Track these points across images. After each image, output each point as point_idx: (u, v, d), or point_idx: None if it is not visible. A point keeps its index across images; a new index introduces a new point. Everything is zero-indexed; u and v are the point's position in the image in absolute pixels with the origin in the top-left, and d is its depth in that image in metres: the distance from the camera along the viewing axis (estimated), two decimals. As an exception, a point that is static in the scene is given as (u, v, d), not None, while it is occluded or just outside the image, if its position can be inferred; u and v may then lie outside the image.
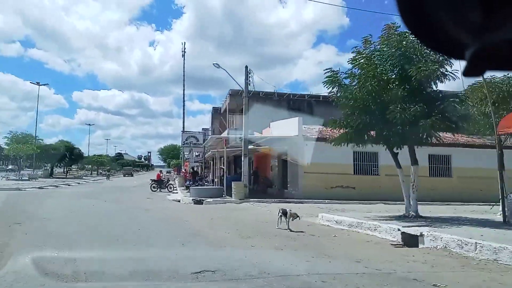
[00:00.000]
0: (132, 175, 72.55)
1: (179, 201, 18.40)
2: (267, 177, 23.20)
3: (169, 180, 26.40)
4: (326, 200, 16.82)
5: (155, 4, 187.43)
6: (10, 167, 68.41)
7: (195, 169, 32.43)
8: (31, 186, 26.74)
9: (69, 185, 33.70)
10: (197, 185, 24.77)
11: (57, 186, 30.18)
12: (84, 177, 53.33)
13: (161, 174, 26.74)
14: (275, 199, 17.13)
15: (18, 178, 37.06)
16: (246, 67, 19.57)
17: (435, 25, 0.76)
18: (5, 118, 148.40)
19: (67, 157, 49.10)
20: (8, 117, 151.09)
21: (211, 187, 23.95)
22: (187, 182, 25.48)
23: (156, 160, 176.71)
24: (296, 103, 29.21)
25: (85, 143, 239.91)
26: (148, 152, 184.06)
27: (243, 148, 18.68)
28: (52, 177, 46.51)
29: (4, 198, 17.55)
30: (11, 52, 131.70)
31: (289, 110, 25.97)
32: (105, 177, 46.37)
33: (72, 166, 65.54)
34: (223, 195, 18.10)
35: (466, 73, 0.76)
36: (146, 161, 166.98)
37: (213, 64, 20.43)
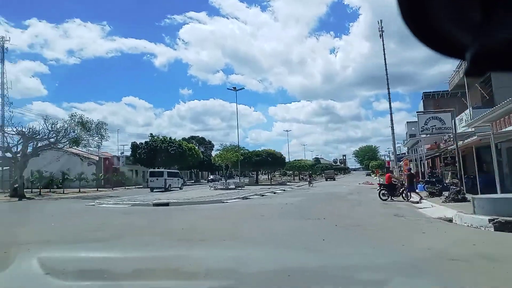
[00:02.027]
0: (334, 179, 67.77)
1: (451, 222, 10.43)
2: None
3: (403, 184, 18.39)
4: None
5: (330, 12, 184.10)
6: (211, 177, 73.02)
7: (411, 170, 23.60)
8: (235, 196, 23.28)
9: (274, 192, 29.82)
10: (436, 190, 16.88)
11: (262, 195, 26.34)
12: (287, 183, 50.75)
13: (392, 177, 18.95)
14: None
15: (224, 187, 35.86)
16: None
17: (436, 26, 0.76)
18: (219, 137, 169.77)
19: (270, 163, 47.24)
20: (221, 135, 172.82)
21: None
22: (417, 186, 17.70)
23: (351, 163, 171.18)
24: None
25: (284, 152, 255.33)
26: (343, 155, 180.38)
27: None
28: (257, 184, 45.24)
29: (204, 214, 13.39)
30: (216, 80, 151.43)
31: None
32: (307, 183, 41.83)
33: (275, 172, 65.29)
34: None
35: (468, 73, 0.76)
36: (342, 164, 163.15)
37: None
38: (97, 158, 54.27)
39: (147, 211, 16.66)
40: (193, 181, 72.37)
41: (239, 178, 44.66)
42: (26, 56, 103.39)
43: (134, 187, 53.72)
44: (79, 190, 38.94)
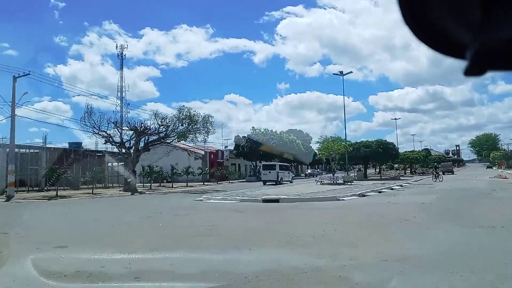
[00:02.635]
0: (452, 172, 59.95)
1: None
2: None
3: None
4: None
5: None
6: (308, 171, 70.34)
7: None
8: (350, 193, 20.41)
9: (392, 188, 26.15)
10: None
11: (380, 192, 23.03)
12: (401, 177, 45.73)
13: None
14: None
15: (331, 181, 33.02)
16: None
17: (435, 25, 0.76)
18: (315, 130, 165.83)
19: (380, 155, 42.82)
20: (318, 128, 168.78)
21: None
22: None
23: (464, 154, 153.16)
24: None
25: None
26: (456, 146, 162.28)
27: None
28: (367, 179, 41.39)
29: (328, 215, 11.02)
30: (313, 72, 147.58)
31: None
32: (433, 176, 36.36)
33: (382, 165, 60.01)
34: None
35: (467, 72, 0.75)
36: (455, 156, 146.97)
37: None
38: (203, 153, 55.70)
39: (258, 208, 14.89)
40: (293, 175, 70.74)
41: (347, 172, 41.28)
42: (141, 62, 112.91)
43: (237, 180, 53.95)
44: (187, 184, 39.71)
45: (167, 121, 33.02)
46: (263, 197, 18.33)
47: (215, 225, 9.79)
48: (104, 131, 30.67)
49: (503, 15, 0.68)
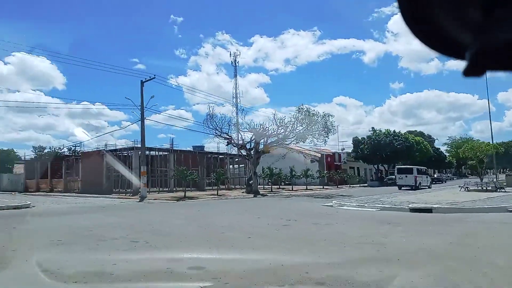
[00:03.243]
0: None
1: None
2: None
3: None
4: None
5: None
6: (435, 175, 62.78)
7: None
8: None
9: None
10: None
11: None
12: None
13: None
14: None
15: (481, 188, 27.75)
16: None
17: (435, 25, 0.76)
18: (435, 131, 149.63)
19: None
20: (437, 130, 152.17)
21: None
22: None
23: None
24: None
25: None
26: None
27: None
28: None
29: None
30: (431, 69, 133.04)
31: None
32: None
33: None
34: None
35: (466, 73, 0.74)
36: None
37: None
38: (319, 155, 53.65)
39: (411, 220, 12.10)
40: (431, 180, 64.24)
41: (496, 177, 34.76)
42: (252, 70, 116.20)
43: (358, 185, 50.46)
44: (306, 188, 38.16)
45: (286, 122, 31.75)
46: (409, 205, 15.36)
47: (379, 243, 7.53)
48: (225, 133, 30.73)
49: (503, 15, 0.67)
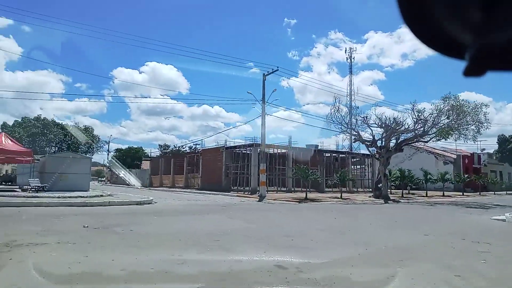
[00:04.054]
0: None
1: None
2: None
3: None
4: None
5: None
6: None
7: None
8: None
9: None
10: None
11: None
12: None
13: None
14: None
15: None
16: None
17: (435, 25, 0.75)
18: None
19: None
20: None
21: None
22: None
23: None
24: None
25: None
26: None
27: None
28: None
29: None
30: None
31: None
32: None
33: None
34: None
35: (466, 73, 0.75)
36: None
37: None
38: (454, 156, 46.26)
39: None
40: None
41: None
42: (365, 67, 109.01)
43: (505, 192, 41.99)
44: (443, 194, 32.32)
45: (425, 116, 26.75)
46: None
47: None
48: (352, 128, 27.16)
49: (503, 15, 0.67)
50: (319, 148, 37.16)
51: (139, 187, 41.93)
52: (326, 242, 7.79)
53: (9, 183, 30.24)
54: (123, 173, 55.40)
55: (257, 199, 23.70)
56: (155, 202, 18.87)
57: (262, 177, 25.30)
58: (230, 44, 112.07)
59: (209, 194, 28.29)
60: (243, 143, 31.79)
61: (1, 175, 35.30)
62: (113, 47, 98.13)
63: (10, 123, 56.11)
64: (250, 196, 26.37)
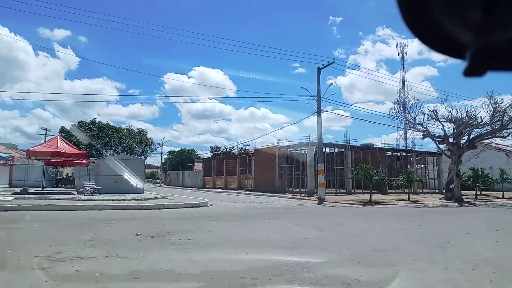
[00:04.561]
0: None
1: None
2: None
3: None
4: None
5: None
6: None
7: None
8: None
9: None
10: None
11: None
12: None
13: None
14: None
15: None
16: None
17: (435, 25, 0.75)
18: None
19: None
20: None
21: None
22: None
23: None
24: None
25: None
26: None
27: None
28: None
29: None
30: None
31: None
32: None
33: None
34: None
35: (467, 73, 0.74)
36: None
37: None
38: (528, 153, 41.44)
39: None
40: None
41: None
42: (416, 63, 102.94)
43: None
44: (519, 196, 28.62)
45: (503, 108, 23.62)
46: None
47: None
48: (419, 123, 24.63)
49: (503, 15, 0.67)
50: (374, 146, 34.66)
51: (193, 189, 41.73)
52: (432, 260, 6.06)
53: (68, 186, 30.96)
54: (176, 174, 55.86)
55: (316, 202, 22.04)
56: (211, 205, 17.91)
57: (320, 178, 23.60)
58: (274, 44, 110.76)
59: (263, 195, 27.02)
60: (297, 143, 30.20)
61: (62, 177, 36.43)
62: (163, 53, 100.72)
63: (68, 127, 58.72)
64: (307, 198, 24.73)
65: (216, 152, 61.17)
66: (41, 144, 21.85)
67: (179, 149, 75.20)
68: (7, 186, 26.66)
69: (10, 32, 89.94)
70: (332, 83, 24.44)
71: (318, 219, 12.60)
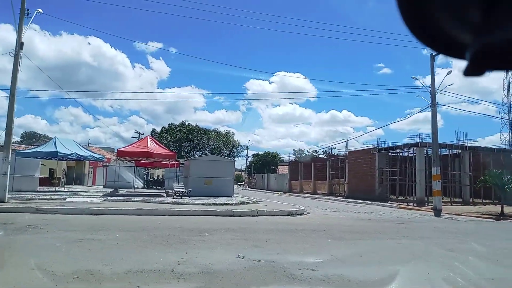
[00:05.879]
0: None
1: None
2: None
3: None
4: None
5: None
6: None
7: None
8: None
9: None
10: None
11: None
12: None
13: None
14: None
15: None
16: None
17: (435, 24, 0.74)
18: None
19: None
20: None
21: None
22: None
23: None
24: None
25: None
26: None
27: None
28: None
29: None
30: None
31: None
32: None
33: None
34: None
35: (467, 72, 0.73)
36: None
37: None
38: None
39: None
40: None
41: None
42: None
43: None
44: None
45: None
46: None
47: None
48: None
49: (503, 15, 0.66)
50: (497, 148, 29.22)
51: (279, 192, 39.79)
52: None
53: (158, 187, 30.98)
54: (261, 177, 54.58)
55: (432, 213, 18.45)
56: (307, 213, 15.57)
57: (435, 185, 19.86)
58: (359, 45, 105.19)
59: (361, 203, 23.86)
60: (402, 143, 26.36)
61: (153, 179, 37.00)
62: (245, 61, 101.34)
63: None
64: (418, 208, 21.07)
65: (299, 155, 58.72)
66: (131, 144, 21.45)
67: (263, 152, 74.35)
68: (102, 187, 27.23)
69: (111, 48, 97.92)
70: (450, 70, 20.60)
71: (466, 241, 9.48)
